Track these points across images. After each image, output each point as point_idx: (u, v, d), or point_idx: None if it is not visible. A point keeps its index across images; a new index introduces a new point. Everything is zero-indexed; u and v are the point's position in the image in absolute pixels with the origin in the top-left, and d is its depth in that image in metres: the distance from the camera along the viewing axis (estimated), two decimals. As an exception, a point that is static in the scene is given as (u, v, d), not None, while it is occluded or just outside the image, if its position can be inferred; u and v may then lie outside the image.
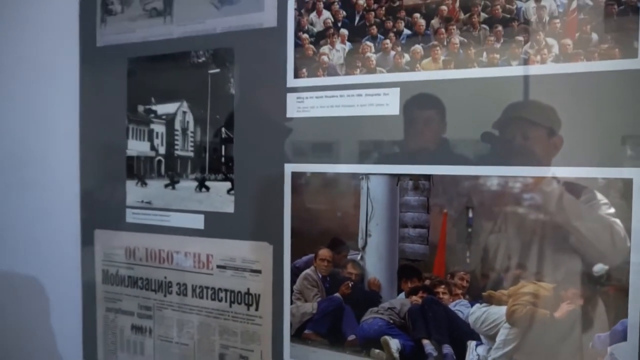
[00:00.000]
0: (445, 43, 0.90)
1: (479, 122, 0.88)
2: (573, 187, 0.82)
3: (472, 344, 0.89)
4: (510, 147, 0.86)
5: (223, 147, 1.15)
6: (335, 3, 0.99)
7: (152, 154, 1.24)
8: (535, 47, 0.83)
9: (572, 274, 0.82)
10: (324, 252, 1.03)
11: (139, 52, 1.23)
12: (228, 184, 1.13)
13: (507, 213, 0.87)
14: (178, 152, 1.21)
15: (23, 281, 1.43)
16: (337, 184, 1.01)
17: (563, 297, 0.82)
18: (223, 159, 1.15)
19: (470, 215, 0.89)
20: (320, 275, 1.04)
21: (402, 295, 0.96)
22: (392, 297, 0.97)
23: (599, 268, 0.80)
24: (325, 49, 1.00)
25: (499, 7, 0.86)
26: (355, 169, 0.99)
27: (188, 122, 1.19)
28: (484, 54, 0.87)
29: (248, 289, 1.12)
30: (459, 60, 0.89)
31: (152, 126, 1.24)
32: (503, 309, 0.87)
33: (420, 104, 0.94)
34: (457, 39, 0.89)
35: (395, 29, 0.94)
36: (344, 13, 0.99)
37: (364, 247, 0.99)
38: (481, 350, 0.89)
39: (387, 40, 0.95)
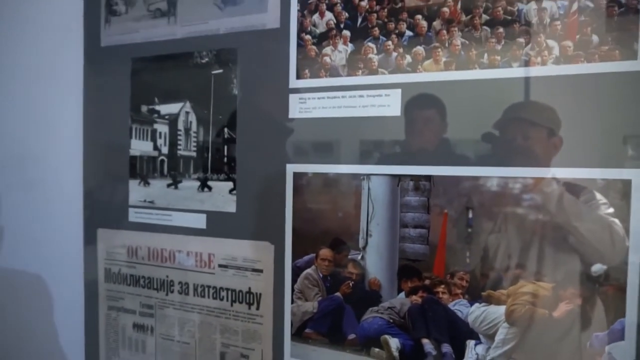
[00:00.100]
0: (446, 44, 0.91)
1: (479, 123, 0.88)
2: (573, 187, 0.83)
3: (471, 343, 0.90)
4: (510, 147, 0.87)
5: (225, 147, 1.15)
6: (338, 4, 1.00)
7: (155, 153, 1.25)
8: (536, 48, 0.84)
9: (571, 274, 0.83)
10: (325, 252, 1.04)
11: (142, 52, 1.24)
12: (230, 184, 1.14)
13: (507, 213, 0.87)
14: (181, 152, 1.21)
15: (26, 279, 1.44)
16: (339, 184, 1.02)
17: (562, 297, 0.83)
18: (225, 159, 1.15)
19: (470, 215, 0.90)
20: (321, 275, 1.04)
21: (402, 294, 0.97)
22: (392, 297, 0.98)
23: (597, 268, 0.81)
24: (327, 50, 1.01)
25: (500, 9, 0.87)
26: (356, 169, 0.99)
27: (191, 122, 1.20)
28: (485, 55, 0.88)
29: (249, 288, 1.13)
30: (460, 62, 0.90)
31: (155, 126, 1.24)
32: (502, 309, 0.87)
33: (421, 104, 0.94)
34: (458, 40, 0.90)
35: (397, 31, 0.95)
36: (347, 14, 0.99)
37: (364, 247, 1.00)
38: (480, 349, 0.89)
39: (389, 42, 0.95)
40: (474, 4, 0.88)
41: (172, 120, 1.22)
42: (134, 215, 1.27)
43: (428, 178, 0.93)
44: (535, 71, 0.84)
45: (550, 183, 0.84)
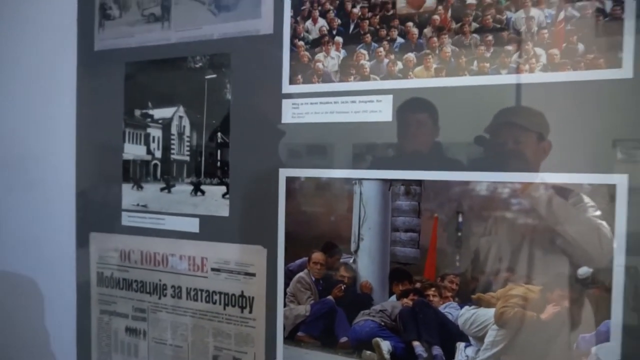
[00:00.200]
0: (437, 51, 0.92)
1: (469, 129, 0.90)
2: (561, 191, 0.84)
3: (461, 345, 0.91)
4: (502, 151, 0.89)
5: (219, 151, 1.16)
6: (331, 11, 1.01)
7: (149, 157, 1.25)
8: (524, 56, 0.86)
9: (558, 277, 0.84)
10: (317, 256, 1.04)
11: (136, 56, 1.25)
12: (223, 188, 1.15)
13: (496, 217, 0.89)
14: (174, 156, 1.22)
15: (18, 283, 1.43)
16: (331, 188, 1.03)
17: (549, 299, 0.85)
18: (219, 164, 1.16)
19: (460, 219, 0.91)
20: (314, 278, 1.05)
21: (394, 297, 0.98)
22: (383, 300, 0.99)
23: (583, 271, 0.82)
24: (320, 56, 1.03)
25: (489, 17, 0.88)
26: (348, 174, 1.01)
27: (184, 126, 1.20)
28: (475, 62, 0.90)
29: (242, 292, 1.14)
30: (450, 69, 0.91)
31: (149, 130, 1.25)
32: (491, 311, 0.89)
33: (413, 108, 0.96)
34: (448, 47, 0.91)
35: (388, 37, 0.96)
36: (339, 21, 1.01)
37: (356, 251, 1.01)
38: (470, 351, 0.91)
39: (381, 48, 0.97)
40: (464, 12, 0.90)
41: (166, 125, 1.23)
42: (127, 219, 1.28)
43: (419, 183, 0.94)
44: (523, 78, 0.86)
45: (540, 186, 0.85)
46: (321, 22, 1.02)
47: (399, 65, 0.95)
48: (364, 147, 1.00)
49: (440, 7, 0.92)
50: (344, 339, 1.01)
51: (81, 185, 1.34)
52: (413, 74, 0.94)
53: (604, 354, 0.80)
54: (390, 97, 0.96)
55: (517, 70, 0.86)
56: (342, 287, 1.02)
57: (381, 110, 0.97)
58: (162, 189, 1.23)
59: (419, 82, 0.94)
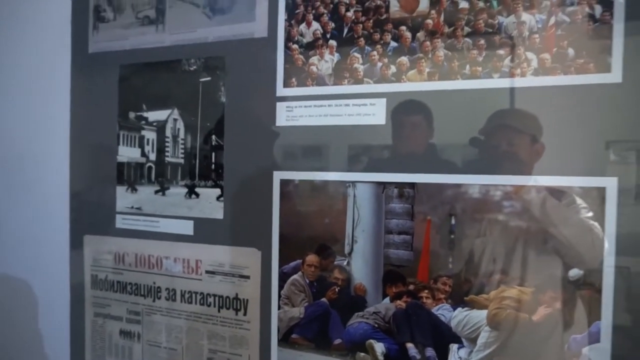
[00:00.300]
0: (430, 55, 0.93)
1: (462, 132, 0.91)
2: (554, 192, 0.85)
3: (454, 346, 0.92)
4: (495, 153, 0.90)
5: (213, 154, 1.17)
6: (325, 15, 1.02)
7: (143, 160, 1.25)
8: (516, 60, 0.87)
9: (550, 278, 0.85)
10: (312, 258, 1.05)
11: (130, 59, 1.25)
12: (217, 191, 1.15)
13: (489, 219, 0.90)
14: (168, 159, 1.22)
15: (12, 285, 1.43)
16: (325, 191, 1.03)
17: (541, 301, 0.85)
18: (213, 166, 1.16)
19: (453, 222, 0.92)
20: (308, 281, 1.06)
21: (387, 299, 0.98)
22: (377, 302, 0.99)
23: (574, 273, 0.83)
24: (314, 59, 1.03)
25: (481, 21, 0.89)
26: (342, 176, 1.01)
27: (179, 129, 1.21)
28: (467, 66, 0.90)
29: (236, 294, 1.14)
30: (443, 72, 0.92)
31: (143, 133, 1.25)
32: (484, 313, 0.89)
33: (407, 111, 0.96)
34: (441, 51, 0.92)
35: (382, 41, 0.97)
36: (333, 25, 1.01)
37: (350, 253, 1.02)
38: (463, 352, 0.91)
39: (374, 52, 0.98)
40: (457, 17, 0.91)
41: (160, 127, 1.23)
42: (121, 222, 1.28)
43: (412, 185, 0.95)
44: (515, 82, 0.87)
45: (533, 188, 0.86)
46: (315, 25, 1.03)
47: (393, 68, 0.96)
48: (357, 150, 1.01)
49: (433, 12, 0.93)
50: (338, 341, 1.02)
51: (75, 188, 1.34)
52: (406, 77, 0.95)
53: (594, 354, 0.81)
54: (384, 100, 0.97)
55: (509, 75, 0.87)
56: (336, 290, 1.03)
57: (375, 114, 0.98)
58: (156, 192, 1.23)
59: (412, 85, 0.95)
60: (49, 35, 1.36)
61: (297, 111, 1.05)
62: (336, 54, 1.01)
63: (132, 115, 1.26)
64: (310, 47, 1.03)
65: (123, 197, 1.27)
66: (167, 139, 1.22)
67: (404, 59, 0.95)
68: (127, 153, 1.27)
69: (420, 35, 0.94)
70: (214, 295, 1.16)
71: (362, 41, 0.99)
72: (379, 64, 0.97)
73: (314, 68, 1.03)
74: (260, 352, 1.10)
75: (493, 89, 0.88)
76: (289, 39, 1.05)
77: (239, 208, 1.13)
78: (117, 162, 1.28)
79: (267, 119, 1.07)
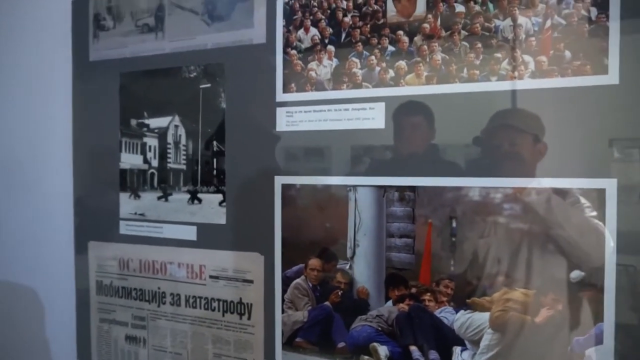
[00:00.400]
0: (427, 59, 0.94)
1: (461, 135, 0.91)
2: (558, 191, 0.85)
3: (457, 349, 0.92)
4: (497, 153, 0.90)
5: (215, 159, 1.17)
6: (322, 20, 1.03)
7: (145, 166, 1.26)
8: (513, 63, 0.87)
9: (552, 280, 0.85)
10: (314, 262, 1.06)
11: (131, 66, 1.26)
12: (220, 196, 1.16)
13: (491, 221, 0.90)
14: (170, 165, 1.23)
15: (17, 292, 1.44)
16: (326, 195, 1.04)
17: (543, 303, 0.86)
18: (215, 172, 1.17)
19: (454, 224, 0.92)
20: (311, 285, 1.06)
21: (390, 303, 0.99)
22: (380, 305, 1.00)
23: (576, 274, 0.83)
24: (313, 64, 1.04)
25: (478, 25, 0.90)
26: (343, 180, 1.02)
27: (180, 135, 1.21)
28: (465, 69, 0.91)
29: (240, 299, 1.15)
30: (441, 76, 0.93)
31: (145, 139, 1.26)
32: (486, 315, 0.90)
33: (407, 113, 0.97)
34: (439, 55, 0.93)
35: (379, 46, 0.98)
36: (331, 30, 1.02)
37: (352, 257, 1.02)
38: (466, 355, 0.92)
39: (372, 57, 0.98)
40: (453, 20, 0.91)
41: (162, 134, 1.24)
42: (125, 228, 1.28)
43: (413, 189, 0.96)
44: (512, 85, 0.87)
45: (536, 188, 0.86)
46: (313, 31, 1.04)
47: (391, 73, 0.97)
48: (358, 154, 1.01)
49: (429, 16, 0.93)
50: (341, 345, 1.02)
51: (79, 194, 1.35)
52: (404, 81, 0.96)
53: (597, 356, 0.82)
54: (383, 104, 0.98)
55: (506, 78, 0.88)
56: (339, 293, 1.03)
57: (374, 118, 0.98)
58: (159, 198, 1.24)
59: (411, 89, 0.95)
60: (50, 44, 1.37)
61: (297, 116, 1.05)
62: (334, 59, 1.02)
63: (133, 122, 1.27)
64: (308, 53, 1.04)
65: (126, 204, 1.28)
66: (168, 146, 1.23)
67: (402, 63, 0.96)
68: (130, 160, 1.28)
69: (418, 39, 0.94)
70: (218, 300, 1.17)
71: (360, 46, 0.99)
72: (377, 69, 0.98)
73: (312, 73, 1.04)
74: (265, 356, 1.11)
75: (491, 91, 0.89)
76: (287, 44, 1.06)
77: (241, 213, 1.13)
78: (119, 168, 1.29)
79: (267, 124, 1.08)
